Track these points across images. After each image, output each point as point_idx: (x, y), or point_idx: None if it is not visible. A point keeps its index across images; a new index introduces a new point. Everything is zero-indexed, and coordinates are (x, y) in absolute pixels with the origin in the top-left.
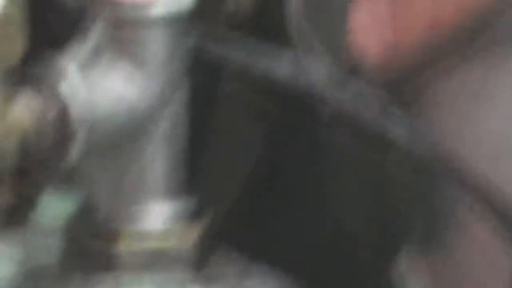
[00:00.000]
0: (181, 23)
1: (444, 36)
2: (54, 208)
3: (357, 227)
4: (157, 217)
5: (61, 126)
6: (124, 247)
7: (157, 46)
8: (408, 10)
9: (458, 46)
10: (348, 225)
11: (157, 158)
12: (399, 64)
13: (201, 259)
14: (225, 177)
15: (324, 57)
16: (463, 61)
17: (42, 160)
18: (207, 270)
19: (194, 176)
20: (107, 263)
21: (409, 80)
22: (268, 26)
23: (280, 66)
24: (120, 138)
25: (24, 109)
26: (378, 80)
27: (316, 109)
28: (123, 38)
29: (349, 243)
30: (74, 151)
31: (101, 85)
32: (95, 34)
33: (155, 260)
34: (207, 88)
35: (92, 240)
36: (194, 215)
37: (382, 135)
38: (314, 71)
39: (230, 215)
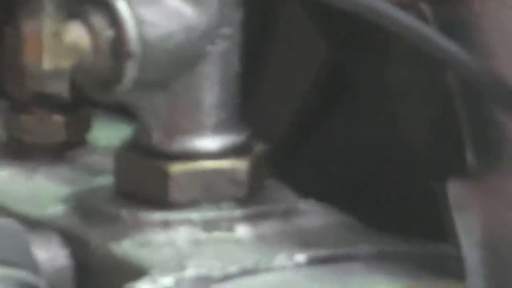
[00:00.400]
0: None
1: None
2: (109, 131)
3: (414, 146)
4: (210, 147)
5: (118, 45)
6: (179, 168)
7: None
8: None
9: None
10: (405, 143)
11: (214, 84)
12: None
13: (255, 183)
14: (282, 104)
15: None
16: None
17: (99, 79)
18: (255, 208)
19: (249, 104)
20: (162, 184)
21: (456, 8)
22: None
23: None
24: (177, 61)
25: (81, 28)
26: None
27: (376, 26)
28: None
29: (404, 163)
30: (131, 72)
31: (157, 4)
32: None
33: (210, 181)
34: (264, 8)
35: (147, 161)
36: (248, 146)
37: (442, 54)
38: None
39: (284, 143)
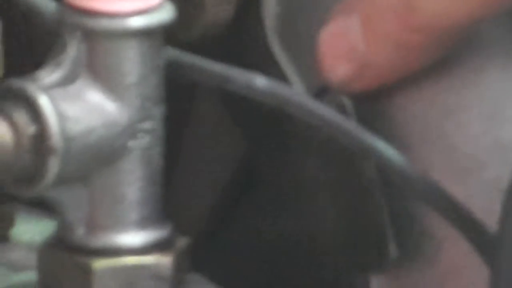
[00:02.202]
0: (158, 38)
1: (412, 56)
2: (32, 227)
3: (330, 240)
4: (132, 243)
5: (40, 141)
6: (102, 264)
7: (133, 60)
8: (377, 31)
9: (427, 65)
10: (326, 239)
11: (135, 179)
12: (367, 84)
13: (178, 278)
14: (200, 199)
15: (296, 75)
16: (433, 81)
17: (21, 176)
18: None
19: (169, 198)
20: (85, 280)
21: (377, 100)
22: (244, 39)
23: (257, 78)
24: (98, 157)
25: (2, 124)
26: (347, 100)
27: (294, 119)
28: (100, 51)
29: (320, 257)
30: (54, 168)
31: (79, 100)
32: (73, 48)
33: (134, 277)
34: (184, 104)
35: (70, 257)
36: (171, 241)
37: (362, 146)
38: (290, 85)
39: (201, 237)
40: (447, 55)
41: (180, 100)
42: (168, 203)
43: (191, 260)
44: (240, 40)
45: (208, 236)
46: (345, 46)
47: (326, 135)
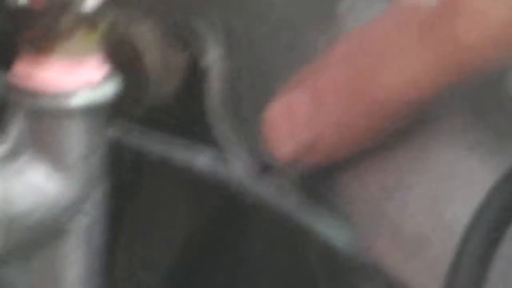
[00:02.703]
0: (102, 114)
1: (359, 135)
2: None
3: None
4: None
5: None
6: None
7: (77, 137)
8: (321, 112)
9: (374, 144)
10: None
11: (75, 260)
12: (314, 161)
13: None
14: (145, 274)
15: (240, 152)
16: (373, 158)
17: None
18: None
19: (114, 275)
20: None
21: (325, 177)
22: (188, 117)
23: (199, 157)
24: (39, 237)
25: None
26: (293, 177)
27: (236, 199)
28: (43, 129)
29: None
30: None
31: (20, 180)
32: (17, 125)
33: None
34: (127, 182)
35: None
36: None
37: (303, 226)
38: (232, 163)
39: None
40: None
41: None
42: (115, 279)
43: None
44: (184, 114)
45: None
46: (291, 126)
47: (267, 215)
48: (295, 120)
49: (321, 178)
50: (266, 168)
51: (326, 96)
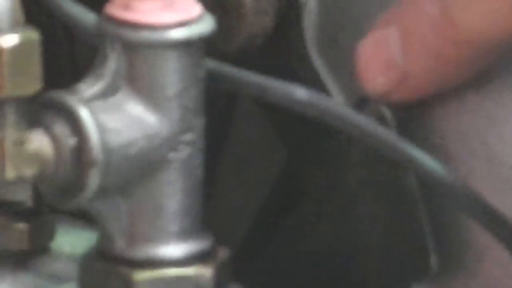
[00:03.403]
0: (198, 50)
1: (451, 69)
2: (73, 238)
3: (371, 250)
4: (173, 254)
5: (81, 153)
6: (143, 276)
7: (175, 71)
8: (415, 44)
9: (467, 78)
10: (367, 250)
11: (176, 191)
12: (406, 96)
13: (218, 287)
14: (240, 207)
15: (337, 86)
16: (475, 91)
17: (62, 188)
18: None
19: (210, 211)
20: None
21: (418, 110)
22: (283, 53)
23: (297, 90)
24: (139, 168)
25: (43, 136)
26: (387, 112)
27: (335, 131)
28: (141, 62)
29: (361, 267)
30: (94, 180)
31: (120, 112)
32: (114, 60)
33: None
34: (224, 114)
35: (111, 269)
36: (211, 252)
37: (402, 157)
38: (330, 97)
39: (245, 248)
40: (490, 67)
41: (221, 112)
42: (210, 214)
43: (233, 272)
44: (280, 51)
45: (250, 247)
46: (384, 58)
47: (366, 146)
48: (386, 55)
49: (414, 114)
50: (361, 102)
51: (416, 31)
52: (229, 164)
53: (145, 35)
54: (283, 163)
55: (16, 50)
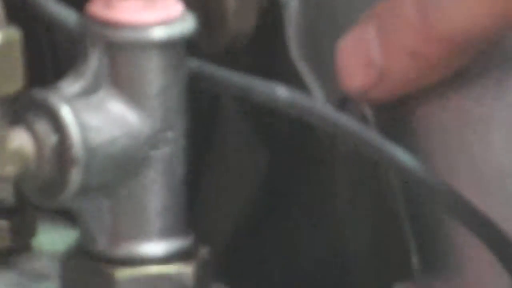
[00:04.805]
0: (180, 49)
1: (429, 68)
2: (54, 236)
3: (354, 252)
4: (155, 252)
5: (62, 151)
6: (125, 273)
7: (156, 70)
8: (393, 42)
9: (445, 76)
10: (350, 251)
11: (158, 189)
12: (385, 94)
13: (200, 286)
14: (223, 210)
15: (319, 86)
16: (455, 91)
17: (43, 186)
18: None
19: (192, 209)
20: None
21: (398, 109)
22: (265, 52)
23: (280, 90)
24: (121, 166)
25: (25, 134)
26: (367, 111)
27: (317, 129)
28: (122, 62)
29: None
30: (75, 178)
31: (101, 110)
32: (95, 59)
33: (156, 286)
34: (206, 114)
35: (92, 266)
36: (193, 250)
37: (383, 157)
38: (312, 96)
39: (228, 248)
40: (469, 65)
41: (203, 113)
42: (194, 217)
43: (216, 272)
44: (262, 52)
45: (234, 250)
46: (362, 56)
47: (349, 145)
48: (366, 52)
49: (395, 113)
50: (342, 101)
51: (393, 29)
52: (213, 166)
53: (127, 34)
54: (267, 165)
55: None
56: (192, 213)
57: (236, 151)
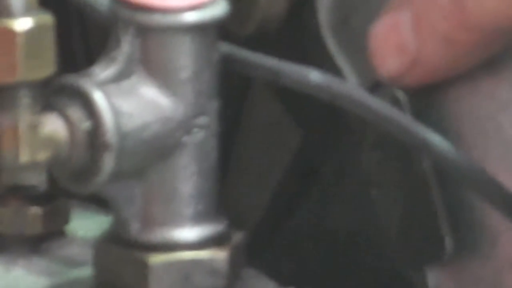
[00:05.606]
0: (212, 33)
1: (463, 54)
2: (87, 222)
3: (387, 232)
4: (188, 238)
5: (95, 136)
6: (158, 259)
7: (188, 54)
8: (427, 28)
9: (479, 62)
10: (378, 230)
11: (190, 174)
12: (418, 79)
13: (234, 273)
14: (255, 194)
15: (351, 69)
16: (489, 75)
17: (76, 172)
18: None
19: (224, 195)
20: (141, 275)
21: (432, 93)
22: (297, 35)
23: (312, 73)
24: (153, 151)
25: (57, 120)
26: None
27: (349, 114)
28: (154, 46)
29: (377, 248)
30: (108, 164)
31: (134, 95)
32: (127, 43)
33: (189, 272)
34: (238, 98)
35: (125, 252)
36: (226, 235)
37: (416, 140)
38: (344, 80)
39: (259, 230)
40: (503, 51)
41: (235, 96)
42: (225, 197)
43: (247, 256)
44: (294, 35)
45: (265, 232)
46: (396, 41)
47: (381, 129)
48: (400, 37)
49: (428, 97)
50: (375, 85)
51: (427, 15)
52: (243, 148)
53: (159, 19)
54: (298, 147)
55: (30, 34)
56: (223, 195)
57: (266, 131)
